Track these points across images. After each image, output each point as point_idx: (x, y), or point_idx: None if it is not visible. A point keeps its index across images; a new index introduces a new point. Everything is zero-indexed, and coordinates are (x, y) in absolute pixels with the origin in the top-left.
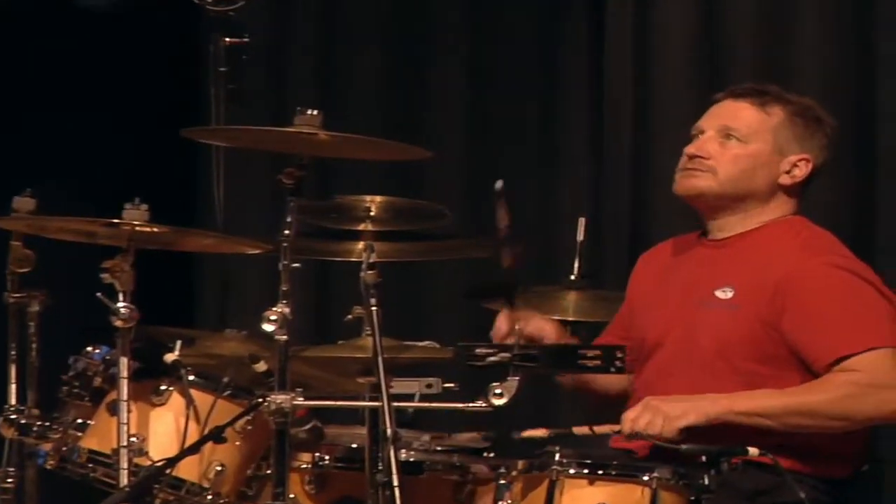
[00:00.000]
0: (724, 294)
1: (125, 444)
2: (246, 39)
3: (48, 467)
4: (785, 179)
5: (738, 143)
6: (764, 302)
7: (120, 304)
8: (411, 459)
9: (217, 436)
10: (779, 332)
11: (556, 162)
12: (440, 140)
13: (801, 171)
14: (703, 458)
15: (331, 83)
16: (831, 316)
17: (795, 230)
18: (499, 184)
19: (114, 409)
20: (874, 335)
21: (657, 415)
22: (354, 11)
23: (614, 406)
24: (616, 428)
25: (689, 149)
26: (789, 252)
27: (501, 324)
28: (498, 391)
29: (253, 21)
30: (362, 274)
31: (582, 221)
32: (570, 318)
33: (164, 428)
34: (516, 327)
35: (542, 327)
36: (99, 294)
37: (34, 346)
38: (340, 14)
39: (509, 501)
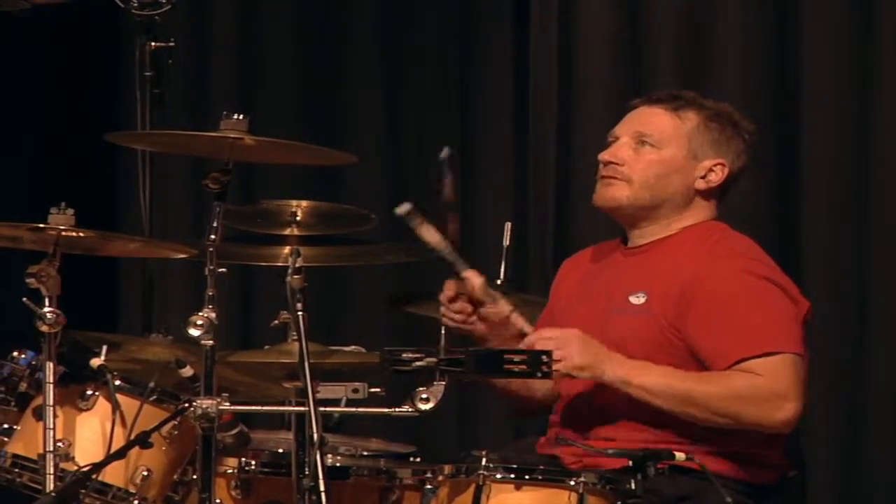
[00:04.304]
0: (638, 300)
1: (51, 449)
2: (172, 43)
3: None
4: (700, 184)
5: (651, 148)
6: (671, 305)
7: (46, 309)
8: (338, 464)
9: (143, 441)
10: (681, 333)
11: (480, 166)
12: (360, 143)
13: (717, 176)
14: (630, 463)
15: (247, 86)
16: (733, 318)
17: (708, 234)
18: (445, 151)
19: (40, 414)
20: (775, 339)
21: (567, 348)
22: (271, 14)
23: (540, 411)
24: (527, 329)
25: (603, 155)
26: (698, 255)
27: (449, 290)
28: (424, 396)
29: (172, 24)
30: (288, 278)
31: (508, 226)
32: None
33: (90, 433)
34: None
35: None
36: (25, 299)
37: None
38: (257, 17)
39: None
